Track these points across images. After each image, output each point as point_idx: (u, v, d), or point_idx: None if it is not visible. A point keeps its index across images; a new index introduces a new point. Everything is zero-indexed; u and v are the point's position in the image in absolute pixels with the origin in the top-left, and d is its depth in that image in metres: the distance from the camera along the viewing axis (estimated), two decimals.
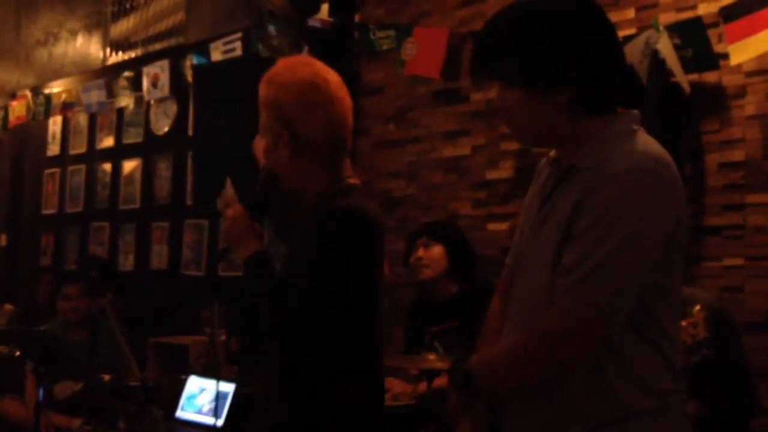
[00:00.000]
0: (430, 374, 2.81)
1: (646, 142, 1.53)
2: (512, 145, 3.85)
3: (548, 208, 1.58)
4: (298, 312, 1.77)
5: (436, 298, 3.14)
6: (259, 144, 1.96)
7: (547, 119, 1.55)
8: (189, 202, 5.37)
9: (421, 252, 3.10)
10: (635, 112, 1.59)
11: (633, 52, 3.20)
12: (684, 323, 2.17)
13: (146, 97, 5.77)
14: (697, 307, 2.23)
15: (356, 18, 4.58)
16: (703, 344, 2.19)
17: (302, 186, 1.91)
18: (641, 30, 3.33)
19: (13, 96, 7.12)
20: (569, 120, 1.54)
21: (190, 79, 5.34)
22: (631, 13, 3.47)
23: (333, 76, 1.88)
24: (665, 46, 3.15)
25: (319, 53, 4.51)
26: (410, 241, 3.19)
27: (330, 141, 1.85)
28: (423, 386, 2.89)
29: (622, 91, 1.60)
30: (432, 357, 2.83)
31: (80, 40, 6.67)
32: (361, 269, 1.81)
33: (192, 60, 5.35)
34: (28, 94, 6.81)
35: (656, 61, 3.16)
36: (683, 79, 3.15)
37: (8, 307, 5.52)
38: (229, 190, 1.95)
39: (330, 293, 1.77)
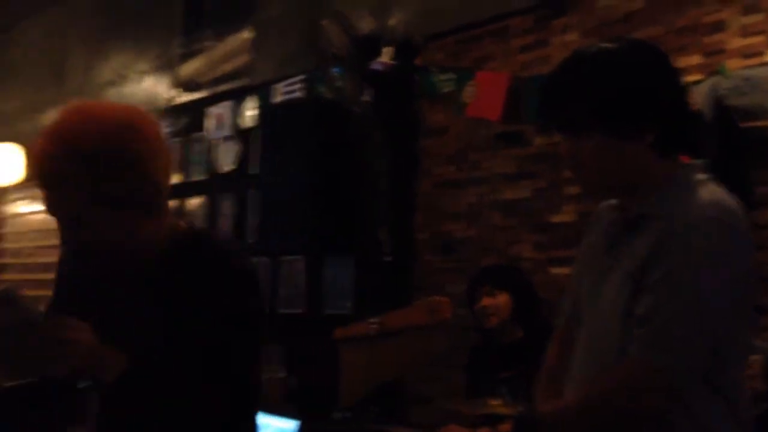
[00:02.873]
0: (493, 419, 2.79)
1: (718, 192, 1.53)
2: (574, 189, 3.83)
3: (615, 255, 1.58)
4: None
5: (501, 343, 3.12)
6: None
7: (627, 165, 1.55)
8: (250, 240, 5.45)
9: (485, 301, 3.09)
10: (704, 160, 1.59)
11: (698, 98, 3.19)
12: None
13: (209, 137, 5.91)
14: (755, 358, 2.19)
15: (418, 61, 4.64)
16: (761, 397, 2.14)
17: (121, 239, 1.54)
18: (708, 76, 3.31)
19: None
20: (647, 165, 1.54)
21: (252, 119, 5.46)
22: (697, 58, 3.45)
23: None
24: (732, 93, 3.13)
25: (381, 96, 4.59)
26: (474, 286, 3.18)
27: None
28: None
29: (693, 136, 1.61)
30: (495, 402, 2.82)
31: (149, 81, 6.86)
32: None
33: (255, 101, 5.47)
34: None
35: (721, 107, 3.14)
36: (751, 125, 3.12)
37: None
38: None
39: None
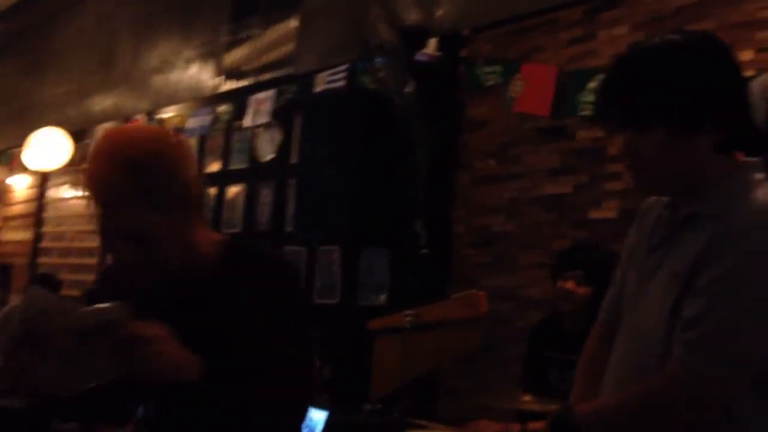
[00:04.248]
0: (524, 416, 2.75)
1: None
2: (616, 185, 3.76)
3: (662, 254, 1.53)
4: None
5: (566, 326, 3.09)
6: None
7: (688, 161, 1.50)
8: (289, 229, 5.45)
9: (571, 285, 3.02)
10: (759, 160, 1.53)
11: (751, 95, 3.10)
12: None
13: (251, 125, 5.93)
14: None
15: (463, 53, 4.59)
16: None
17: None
18: (760, 72, 3.22)
19: (127, 120, 7.42)
20: (707, 162, 1.50)
21: (295, 108, 5.46)
22: (750, 54, 3.35)
23: None
24: None
25: (424, 87, 4.55)
26: (564, 264, 3.09)
27: None
28: (515, 428, 2.82)
29: (751, 134, 1.55)
30: (527, 398, 2.76)
31: (194, 68, 6.91)
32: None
33: (297, 90, 5.47)
34: (142, 118, 7.08)
35: None
36: None
37: None
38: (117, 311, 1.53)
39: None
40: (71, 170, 7.84)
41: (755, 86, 3.13)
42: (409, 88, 4.56)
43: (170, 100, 7.08)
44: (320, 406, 3.57)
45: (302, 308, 1.69)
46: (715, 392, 1.40)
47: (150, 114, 7.15)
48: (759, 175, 1.50)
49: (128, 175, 1.55)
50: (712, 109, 1.46)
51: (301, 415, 1.67)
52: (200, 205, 1.70)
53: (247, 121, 5.91)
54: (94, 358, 1.51)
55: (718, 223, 1.44)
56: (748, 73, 3.27)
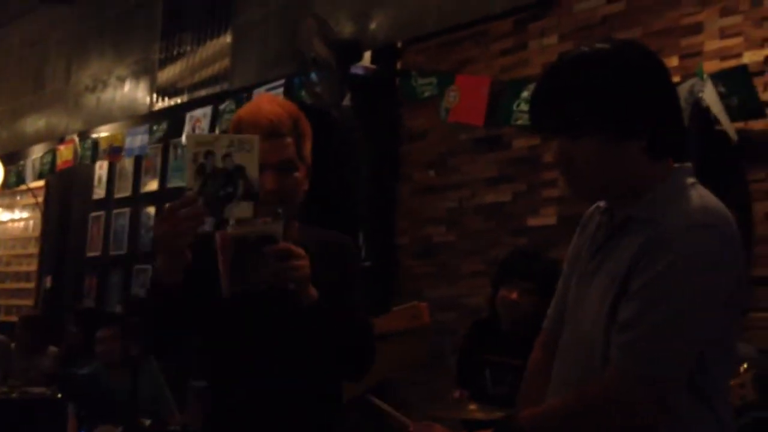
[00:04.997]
0: (471, 425, 2.76)
1: (705, 196, 1.51)
2: (554, 192, 3.83)
3: (600, 259, 1.55)
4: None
5: (505, 329, 3.00)
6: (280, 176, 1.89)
7: (621, 167, 1.52)
8: None
9: (516, 296, 2.94)
10: (689, 164, 1.57)
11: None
12: (732, 383, 2.11)
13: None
14: (744, 366, 2.17)
15: (398, 65, 4.62)
16: (752, 406, 2.12)
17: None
18: (685, 78, 3.30)
19: (61, 140, 7.28)
20: (641, 168, 1.52)
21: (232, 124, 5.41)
22: (675, 60, 3.45)
23: None
24: (710, 95, 3.12)
25: (361, 100, 4.56)
26: (508, 273, 3.00)
27: None
28: None
29: (682, 138, 1.59)
30: (473, 407, 2.78)
31: (128, 86, 6.82)
32: None
33: (233, 106, 5.43)
34: (76, 138, 6.96)
35: (699, 109, 3.14)
36: (729, 127, 3.11)
37: (53, 349, 5.58)
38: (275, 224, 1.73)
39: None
40: (6, 193, 7.66)
41: (680, 91, 3.22)
42: (346, 102, 4.57)
43: (104, 119, 6.97)
44: None
45: (362, 278, 2.04)
46: (650, 395, 1.42)
47: (84, 133, 7.03)
48: (691, 179, 1.53)
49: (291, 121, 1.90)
50: (644, 115, 1.49)
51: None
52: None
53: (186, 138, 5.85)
54: (250, 265, 1.65)
55: (652, 228, 1.46)
56: (674, 79, 3.35)
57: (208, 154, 1.66)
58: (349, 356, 1.90)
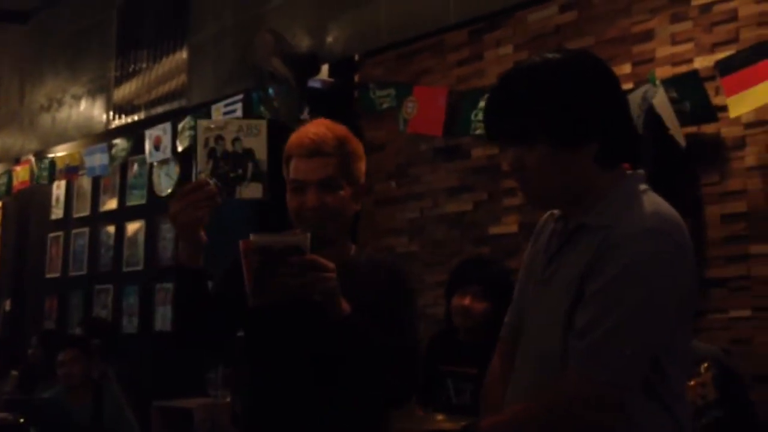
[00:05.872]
0: None
1: (657, 202, 1.53)
2: (514, 201, 3.85)
3: (555, 267, 1.57)
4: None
5: (461, 339, 3.05)
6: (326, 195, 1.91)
7: (572, 175, 1.54)
8: None
9: (468, 302, 2.99)
10: (642, 171, 1.59)
11: (630, 107, 3.22)
12: (692, 383, 2.13)
13: (149, 160, 5.82)
14: (705, 366, 2.20)
15: (356, 78, 4.63)
16: (713, 405, 2.14)
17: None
18: (638, 85, 3.36)
19: (17, 161, 7.17)
20: (591, 176, 1.54)
21: (191, 140, 5.38)
22: (627, 68, 3.50)
23: None
24: (661, 101, 3.17)
25: (319, 113, 4.56)
26: (460, 280, 3.06)
27: None
28: None
29: (633, 146, 1.61)
30: (440, 418, 2.78)
31: (84, 104, 6.74)
32: None
33: (193, 122, 5.40)
34: (32, 158, 6.86)
35: (653, 115, 3.18)
36: (678, 132, 3.16)
37: (14, 373, 5.48)
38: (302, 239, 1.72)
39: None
40: None
41: (634, 98, 3.27)
42: (305, 115, 4.57)
43: (60, 139, 6.88)
44: None
45: (412, 302, 1.95)
46: (609, 400, 1.43)
47: (39, 153, 6.93)
48: (643, 186, 1.55)
49: (337, 147, 1.92)
50: (594, 124, 1.51)
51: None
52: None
53: (149, 158, 5.80)
54: (275, 275, 1.65)
55: (605, 234, 1.48)
56: (627, 85, 3.41)
57: (218, 138, 1.75)
58: (387, 377, 1.84)
